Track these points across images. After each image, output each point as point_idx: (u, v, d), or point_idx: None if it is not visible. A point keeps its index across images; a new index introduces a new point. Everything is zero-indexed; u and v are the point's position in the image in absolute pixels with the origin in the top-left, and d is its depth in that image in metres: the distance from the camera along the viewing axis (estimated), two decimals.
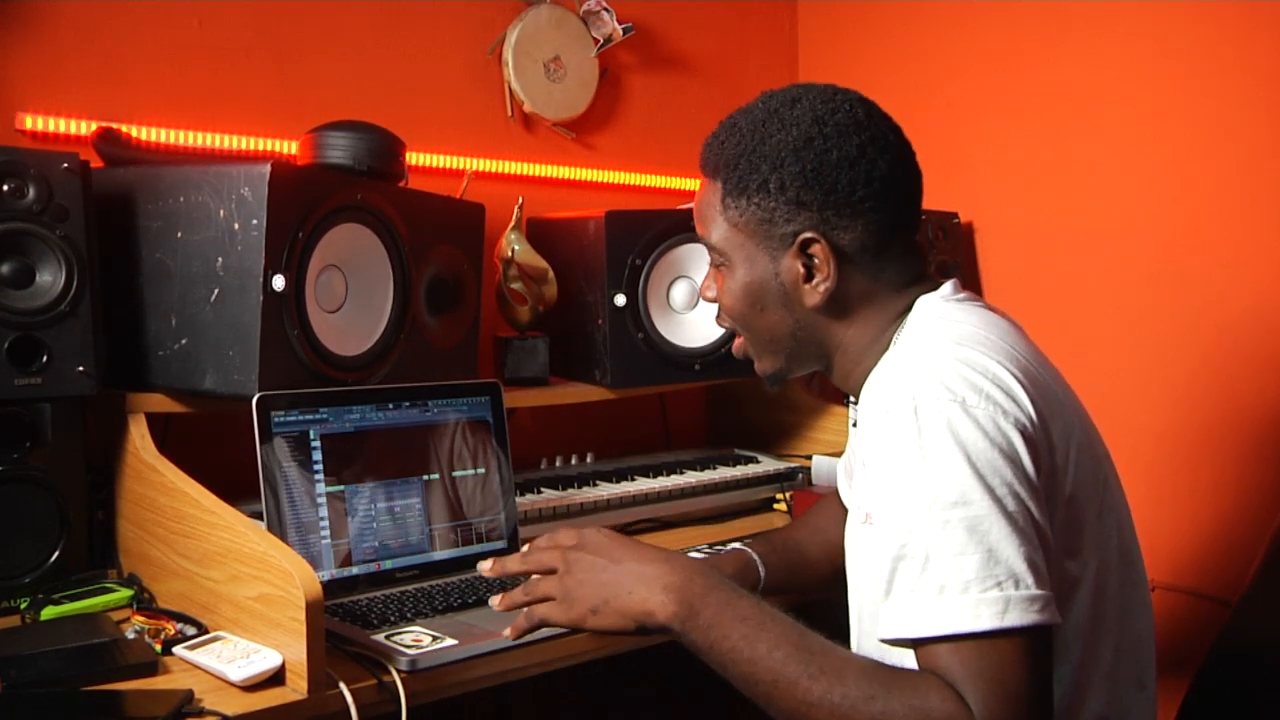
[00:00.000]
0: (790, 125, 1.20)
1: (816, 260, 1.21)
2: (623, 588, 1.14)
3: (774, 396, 2.27)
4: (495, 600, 1.24)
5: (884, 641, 1.05)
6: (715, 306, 1.34)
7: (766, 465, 2.14)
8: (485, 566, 1.27)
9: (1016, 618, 0.98)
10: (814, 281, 1.21)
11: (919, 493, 1.02)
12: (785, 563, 1.51)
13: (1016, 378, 1.08)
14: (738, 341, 1.33)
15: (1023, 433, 1.05)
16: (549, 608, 1.19)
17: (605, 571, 1.16)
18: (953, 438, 1.03)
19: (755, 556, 1.49)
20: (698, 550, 1.73)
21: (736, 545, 1.54)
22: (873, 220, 1.20)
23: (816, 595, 1.54)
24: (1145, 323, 2.19)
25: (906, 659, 1.05)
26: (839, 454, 2.03)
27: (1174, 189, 2.15)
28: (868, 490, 1.18)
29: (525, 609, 1.21)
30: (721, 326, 1.34)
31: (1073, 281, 2.29)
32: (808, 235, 1.20)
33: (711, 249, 1.28)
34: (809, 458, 2.12)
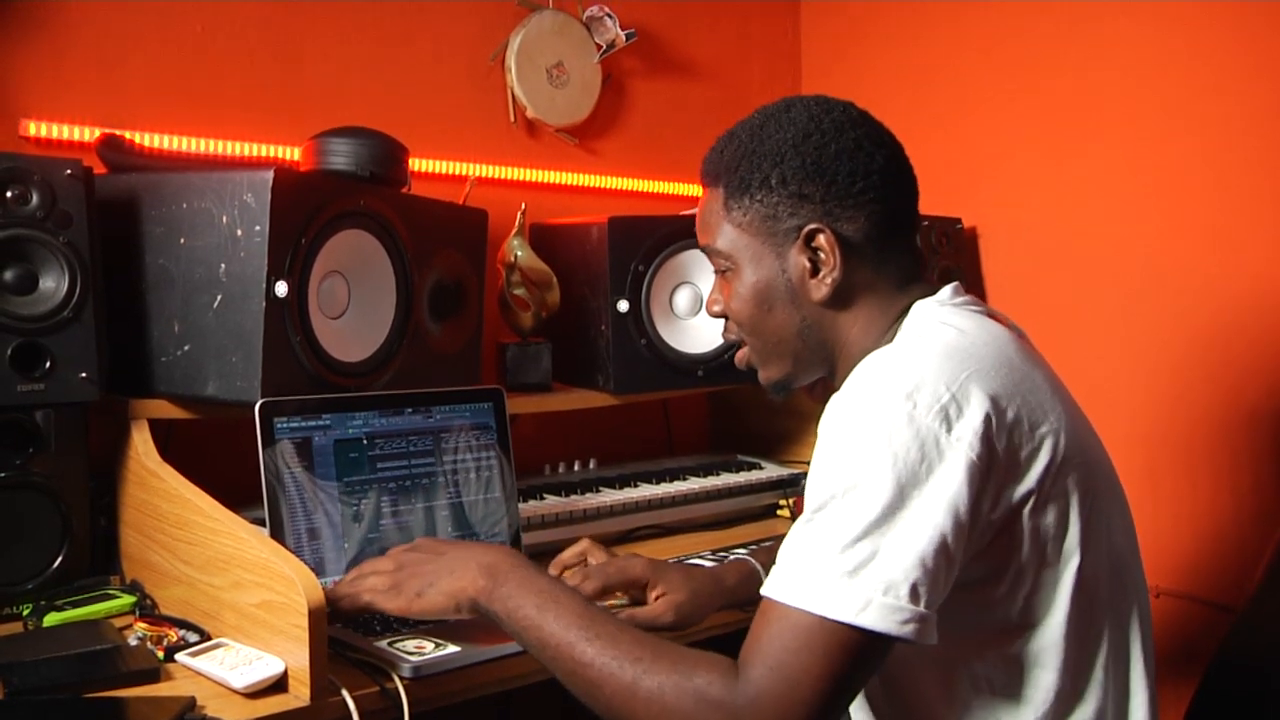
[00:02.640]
0: (787, 125, 1.23)
1: (822, 253, 1.22)
2: (445, 570, 1.25)
3: (776, 403, 2.26)
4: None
5: (761, 595, 1.07)
6: (719, 317, 1.34)
7: (769, 471, 2.15)
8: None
9: (871, 621, 1.00)
10: (820, 275, 1.23)
11: (840, 477, 1.04)
12: None
13: (992, 399, 1.07)
14: (741, 352, 1.33)
15: (965, 459, 1.04)
16: (377, 595, 1.29)
17: (431, 562, 1.28)
18: (887, 440, 1.03)
19: (758, 566, 1.50)
20: (700, 557, 1.73)
21: (740, 554, 1.54)
22: (874, 212, 1.22)
23: None
24: (1149, 328, 2.18)
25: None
26: None
27: (1179, 194, 2.14)
28: None
29: (351, 594, 1.30)
30: (727, 338, 1.34)
31: (1076, 287, 2.29)
32: (813, 226, 1.21)
33: (716, 255, 1.29)
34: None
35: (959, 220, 2.41)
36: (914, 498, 1.02)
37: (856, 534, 1.02)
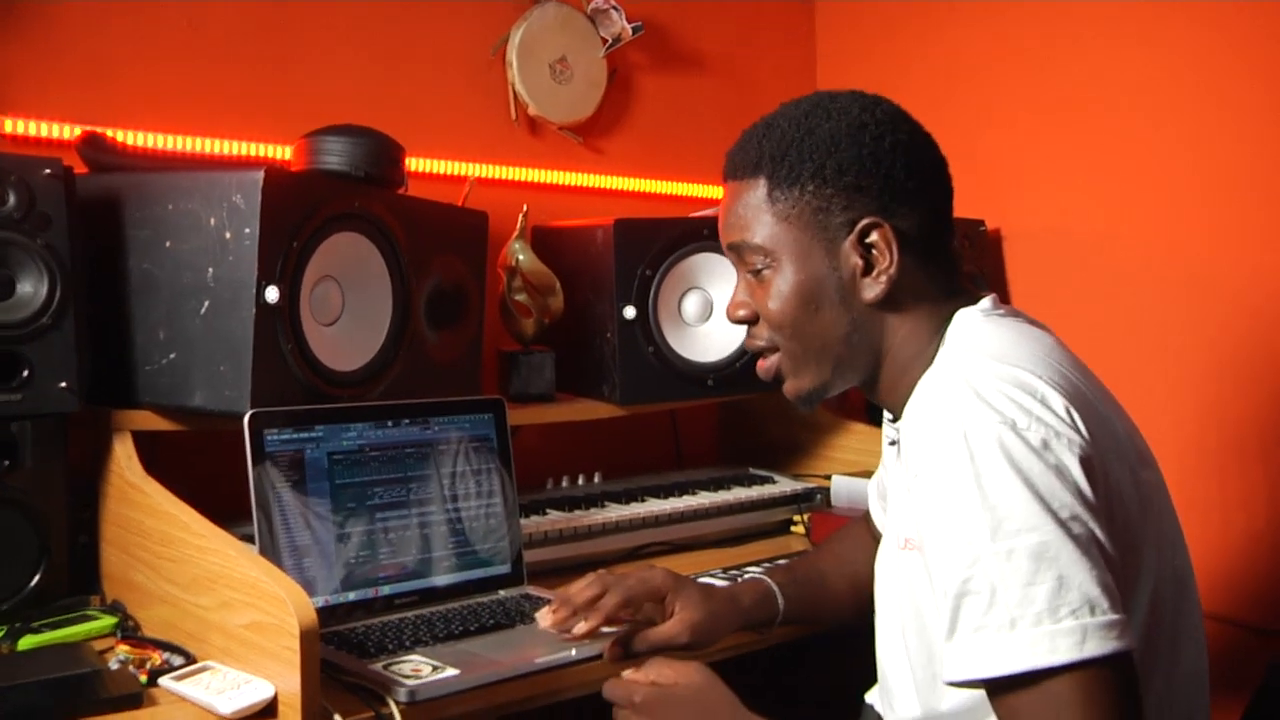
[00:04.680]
0: (837, 115, 1.21)
1: (876, 250, 1.20)
2: None
3: (790, 413, 2.26)
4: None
5: (951, 684, 1.03)
6: (730, 322, 1.32)
7: (783, 486, 2.14)
8: (546, 621, 1.35)
9: (1096, 646, 0.96)
10: (874, 272, 1.21)
11: (978, 523, 1.01)
12: (806, 594, 1.50)
13: (1064, 396, 1.08)
14: (769, 360, 1.29)
15: (1076, 453, 1.04)
16: None
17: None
18: (1008, 462, 1.01)
19: (774, 587, 1.48)
20: (711, 575, 1.72)
21: (755, 574, 1.53)
22: (926, 210, 1.22)
23: (833, 626, 1.53)
24: (1187, 337, 2.17)
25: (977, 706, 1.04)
26: (859, 474, 2.04)
27: (1220, 193, 2.13)
28: (909, 516, 1.16)
29: None
30: (752, 346, 1.29)
31: (1108, 294, 2.28)
32: (869, 221, 1.19)
33: (752, 252, 1.24)
34: (828, 478, 2.11)
35: (982, 222, 2.40)
36: (1056, 507, 1.01)
37: (1031, 569, 0.99)
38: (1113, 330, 2.25)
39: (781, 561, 1.72)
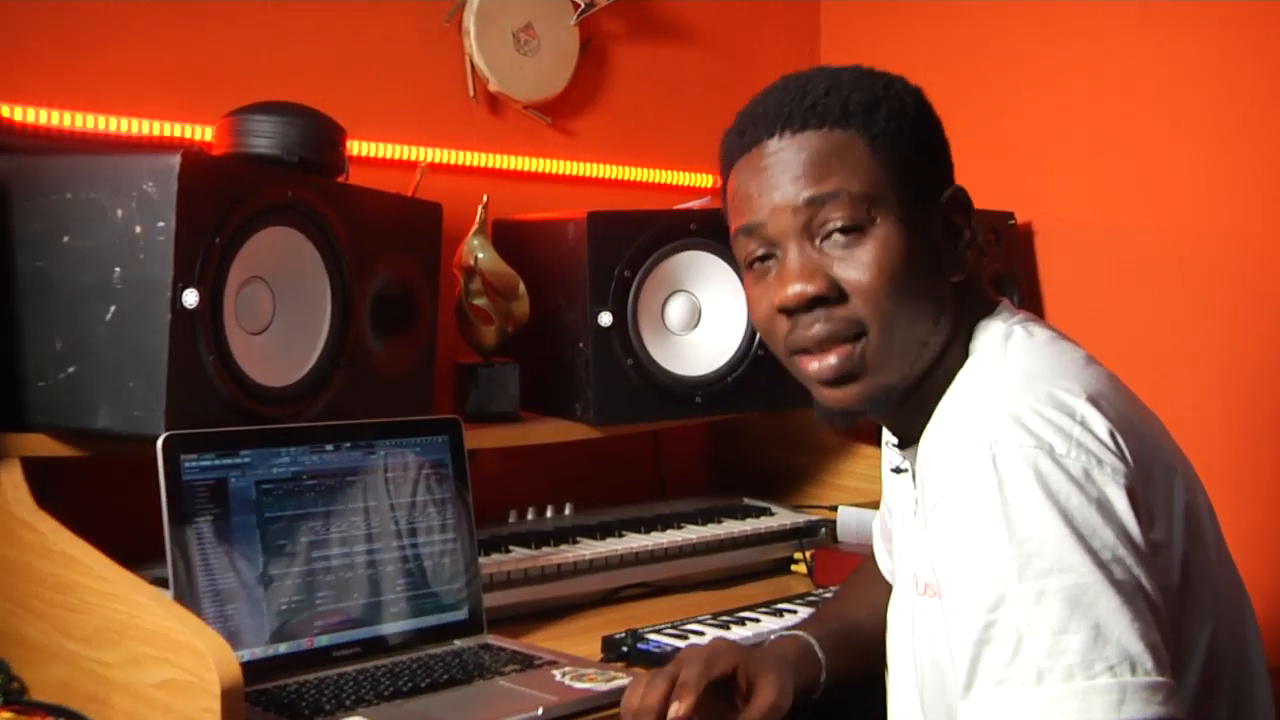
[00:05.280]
0: (894, 79, 1.25)
1: (959, 219, 1.24)
2: None
3: (791, 435, 2.26)
4: None
5: None
6: (787, 304, 1.22)
7: (782, 518, 2.14)
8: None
9: (1137, 710, 0.95)
10: (960, 246, 1.24)
11: (1004, 559, 1.00)
12: (844, 649, 1.46)
13: (1107, 418, 1.07)
14: (846, 350, 1.20)
15: (1122, 485, 1.03)
16: None
17: None
18: (1043, 491, 1.01)
19: (812, 641, 1.44)
20: (699, 622, 1.73)
21: (790, 632, 1.48)
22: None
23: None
24: (1240, 342, 2.18)
25: None
26: (869, 504, 2.04)
27: (1274, 183, 2.14)
28: (924, 555, 1.15)
29: None
30: (830, 330, 1.19)
31: (1153, 294, 2.29)
32: (955, 187, 1.24)
33: (852, 204, 1.18)
34: (834, 509, 2.12)
35: (1011, 215, 2.41)
36: (1097, 546, 1.00)
37: (1063, 615, 0.97)
38: (1166, 339, 2.27)
39: (801, 613, 1.72)
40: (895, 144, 1.20)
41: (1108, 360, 1.25)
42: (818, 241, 1.20)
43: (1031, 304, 2.41)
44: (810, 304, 1.19)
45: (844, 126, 1.20)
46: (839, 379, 1.21)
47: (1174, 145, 2.25)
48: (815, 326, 1.19)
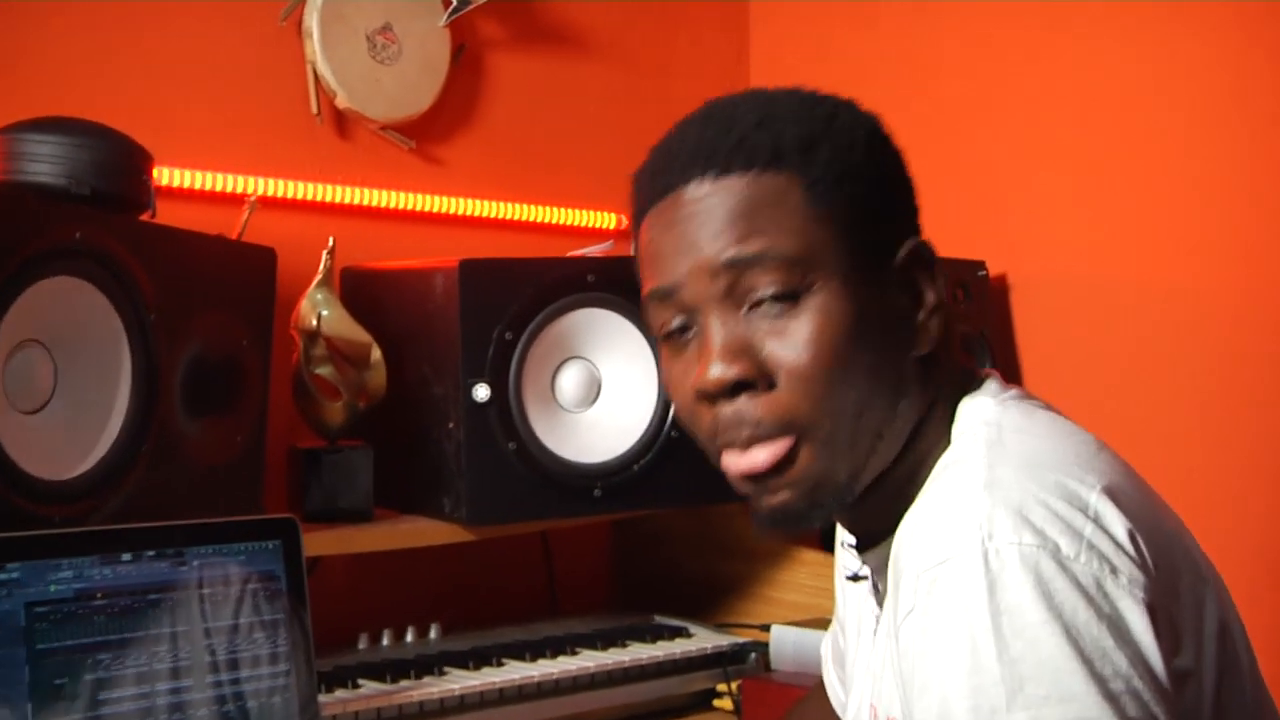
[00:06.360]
0: (840, 107, 1.26)
1: (922, 279, 1.23)
2: None
3: (713, 538, 2.27)
4: None
5: None
6: (709, 389, 1.21)
7: (702, 640, 2.14)
8: None
9: None
10: (923, 312, 1.23)
11: (992, 681, 1.00)
12: None
13: (1127, 517, 1.08)
14: (776, 445, 1.19)
15: (1141, 599, 1.04)
16: None
17: None
18: (1044, 601, 1.01)
19: None
20: None
21: None
22: None
23: None
24: (1237, 410, 2.23)
25: None
26: (810, 622, 2.05)
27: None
28: (887, 681, 1.16)
29: None
30: (751, 424, 1.19)
31: (1142, 354, 2.34)
32: (916, 241, 1.24)
33: (781, 268, 1.18)
34: (766, 628, 2.12)
35: (982, 264, 2.45)
36: (1107, 674, 1.00)
37: None
38: (1159, 403, 2.31)
39: None
40: (839, 190, 1.20)
41: (1095, 429, 1.27)
42: (744, 311, 1.19)
43: (1007, 369, 2.43)
44: (733, 389, 1.18)
45: (776, 169, 1.19)
46: (772, 477, 1.20)
47: (1177, 186, 2.30)
48: (740, 420, 1.19)
